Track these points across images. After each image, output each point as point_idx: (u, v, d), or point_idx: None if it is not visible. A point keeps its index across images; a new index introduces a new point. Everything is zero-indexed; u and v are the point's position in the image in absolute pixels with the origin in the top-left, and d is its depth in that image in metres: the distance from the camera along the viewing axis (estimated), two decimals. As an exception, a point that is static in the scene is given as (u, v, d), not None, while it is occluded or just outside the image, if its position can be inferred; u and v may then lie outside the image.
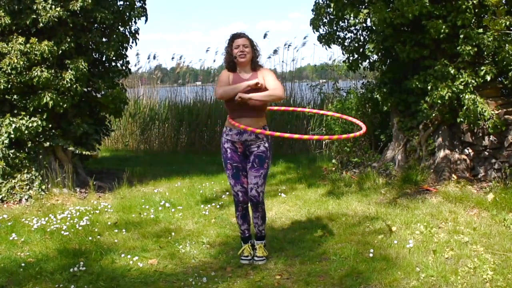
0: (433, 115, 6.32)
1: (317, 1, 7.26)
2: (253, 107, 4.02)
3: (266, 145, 4.14)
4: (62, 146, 6.66)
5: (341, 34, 7.25)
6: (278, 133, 4.05)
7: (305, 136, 4.05)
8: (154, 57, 13.50)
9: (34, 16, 6.22)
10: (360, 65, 7.32)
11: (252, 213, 4.30)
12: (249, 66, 4.17)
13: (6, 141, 6.17)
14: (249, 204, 4.27)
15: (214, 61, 19.43)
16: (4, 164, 6.18)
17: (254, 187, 4.14)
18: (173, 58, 22.89)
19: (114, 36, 6.92)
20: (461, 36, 5.90)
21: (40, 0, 6.17)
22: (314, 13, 7.22)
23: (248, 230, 4.34)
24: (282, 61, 13.59)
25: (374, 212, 5.41)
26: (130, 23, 7.17)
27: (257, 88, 4.05)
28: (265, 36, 11.68)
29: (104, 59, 7.22)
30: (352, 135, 4.13)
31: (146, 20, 7.39)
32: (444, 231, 4.69)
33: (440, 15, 5.99)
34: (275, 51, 11.64)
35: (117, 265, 4.18)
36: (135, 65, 14.75)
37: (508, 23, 5.11)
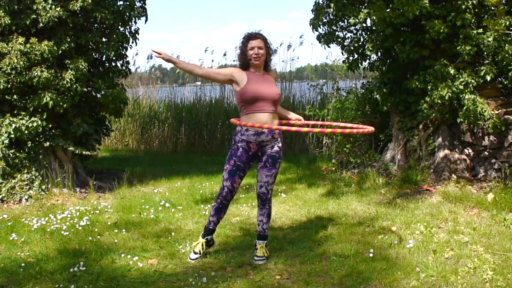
0: (433, 115, 6.32)
1: (317, 1, 7.26)
2: (274, 101, 4.04)
3: (280, 145, 4.18)
4: (62, 146, 6.66)
5: (341, 34, 7.26)
6: (294, 128, 3.98)
7: (316, 130, 4.00)
8: (151, 57, 13.48)
9: (34, 16, 6.22)
10: (360, 65, 7.32)
11: (258, 210, 4.31)
12: (261, 67, 4.19)
13: (6, 141, 6.17)
14: (230, 203, 4.30)
15: (212, 61, 19.38)
16: (4, 164, 6.18)
17: (265, 185, 4.17)
18: (173, 58, 22.66)
19: (114, 36, 6.92)
20: (461, 36, 5.91)
21: (40, 0, 6.17)
22: (314, 13, 7.22)
23: (214, 224, 4.34)
24: (283, 61, 13.60)
25: (374, 212, 5.41)
26: (130, 23, 7.17)
27: (266, 82, 4.10)
28: None
29: (104, 59, 7.22)
30: (361, 130, 4.01)
31: (146, 20, 7.39)
32: (444, 231, 4.69)
33: (440, 15, 6.00)
34: (275, 51, 11.63)
35: (117, 265, 4.18)
36: (133, 64, 14.74)
37: (508, 23, 5.12)
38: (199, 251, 4.29)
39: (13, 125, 6.15)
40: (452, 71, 5.97)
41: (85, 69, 6.41)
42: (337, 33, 7.23)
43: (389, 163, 6.92)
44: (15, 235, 4.90)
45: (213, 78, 4.22)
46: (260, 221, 4.32)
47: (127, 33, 7.18)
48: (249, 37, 4.13)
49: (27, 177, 6.32)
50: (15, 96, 6.34)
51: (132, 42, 7.27)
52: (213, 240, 4.47)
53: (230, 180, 4.15)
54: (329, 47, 7.28)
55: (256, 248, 4.28)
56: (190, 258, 4.26)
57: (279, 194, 6.47)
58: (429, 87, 6.09)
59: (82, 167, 7.29)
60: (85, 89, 6.75)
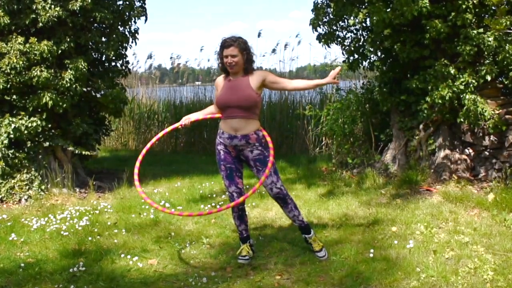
0: (434, 115, 6.31)
1: (317, 1, 7.25)
2: (243, 106, 4.00)
3: (260, 148, 4.08)
4: (61, 146, 6.65)
5: (341, 34, 7.24)
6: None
7: (195, 213, 4.31)
8: (151, 57, 13.51)
9: (34, 16, 6.22)
10: (360, 65, 7.31)
11: (284, 210, 4.24)
12: (241, 72, 4.11)
13: (6, 141, 6.15)
14: (245, 206, 4.28)
15: (208, 60, 19.39)
16: (4, 164, 6.17)
17: (273, 186, 4.10)
18: (171, 57, 22.77)
19: (114, 36, 6.91)
20: (461, 36, 5.90)
21: (40, 0, 6.16)
22: (313, 13, 7.21)
23: (245, 231, 4.33)
24: (280, 61, 13.59)
25: (374, 212, 5.40)
26: (129, 23, 7.17)
27: (236, 88, 4.05)
28: (259, 35, 11.98)
29: (103, 59, 7.22)
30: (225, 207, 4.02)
31: (145, 20, 7.39)
32: (444, 231, 4.68)
33: (440, 14, 5.99)
34: (273, 50, 11.71)
35: (116, 266, 4.17)
36: (137, 63, 14.77)
37: (508, 22, 5.10)
38: (247, 253, 4.24)
39: (13, 125, 6.14)
40: (452, 71, 5.96)
41: (84, 69, 6.40)
42: (337, 33, 7.22)
43: (389, 163, 6.91)
44: (15, 235, 4.89)
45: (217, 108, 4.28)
46: (292, 217, 4.23)
47: (126, 32, 7.18)
48: (223, 45, 4.06)
49: (26, 177, 6.31)
50: (14, 96, 6.33)
51: (132, 42, 7.26)
52: (253, 240, 4.43)
53: (232, 184, 4.15)
54: (329, 47, 7.28)
55: (309, 243, 4.23)
56: (240, 262, 4.17)
57: (279, 194, 6.45)
58: (429, 87, 6.08)
59: (82, 167, 7.28)
60: (84, 89, 6.74)
